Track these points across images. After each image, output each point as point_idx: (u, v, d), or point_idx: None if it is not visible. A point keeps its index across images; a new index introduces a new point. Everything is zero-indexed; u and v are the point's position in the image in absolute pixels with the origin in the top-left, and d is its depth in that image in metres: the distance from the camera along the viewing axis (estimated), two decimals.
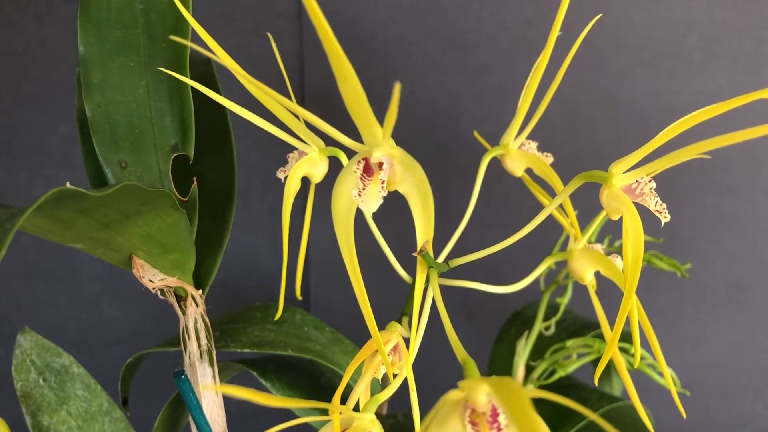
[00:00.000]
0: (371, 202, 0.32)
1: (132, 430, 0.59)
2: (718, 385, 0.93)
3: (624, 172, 0.36)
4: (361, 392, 0.37)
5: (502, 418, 0.26)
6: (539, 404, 0.66)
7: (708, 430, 0.94)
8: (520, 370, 0.61)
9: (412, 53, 0.84)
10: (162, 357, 0.65)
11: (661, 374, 0.58)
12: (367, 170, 0.33)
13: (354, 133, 0.35)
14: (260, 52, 0.84)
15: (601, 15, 0.47)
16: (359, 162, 0.33)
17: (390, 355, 0.38)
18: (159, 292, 0.48)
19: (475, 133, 0.54)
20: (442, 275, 0.40)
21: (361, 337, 0.62)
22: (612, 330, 0.40)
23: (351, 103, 0.30)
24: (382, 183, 0.33)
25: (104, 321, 0.93)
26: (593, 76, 0.84)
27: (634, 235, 0.34)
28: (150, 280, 0.45)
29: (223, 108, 0.55)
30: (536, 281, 0.68)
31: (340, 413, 0.33)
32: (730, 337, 0.91)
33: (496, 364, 0.68)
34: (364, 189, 0.33)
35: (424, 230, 0.34)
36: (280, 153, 0.89)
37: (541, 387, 0.62)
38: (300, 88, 0.86)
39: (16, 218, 0.29)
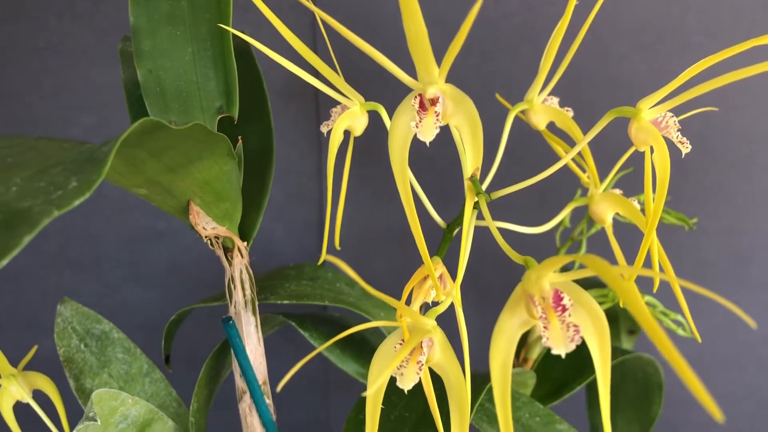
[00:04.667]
0: (428, 133, 0.36)
1: (171, 388, 0.62)
2: (720, 358, 0.96)
3: (650, 108, 0.40)
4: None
5: (566, 300, 0.29)
6: (556, 359, 0.68)
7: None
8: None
9: None
10: (191, 321, 0.68)
11: (674, 321, 0.61)
12: (422, 105, 0.37)
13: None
14: (274, 42, 0.87)
15: None
16: (416, 97, 0.37)
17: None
18: (208, 242, 0.51)
19: (498, 96, 0.58)
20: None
21: None
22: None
23: (413, 41, 0.33)
24: (437, 115, 0.36)
25: (127, 307, 0.96)
26: (593, 59, 0.87)
27: (661, 161, 0.38)
28: (203, 228, 0.49)
29: (259, 77, 0.59)
30: (552, 243, 0.72)
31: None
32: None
33: None
34: (420, 121, 0.36)
35: (474, 159, 0.38)
36: (297, 140, 0.92)
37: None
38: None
39: (112, 143, 0.32)
